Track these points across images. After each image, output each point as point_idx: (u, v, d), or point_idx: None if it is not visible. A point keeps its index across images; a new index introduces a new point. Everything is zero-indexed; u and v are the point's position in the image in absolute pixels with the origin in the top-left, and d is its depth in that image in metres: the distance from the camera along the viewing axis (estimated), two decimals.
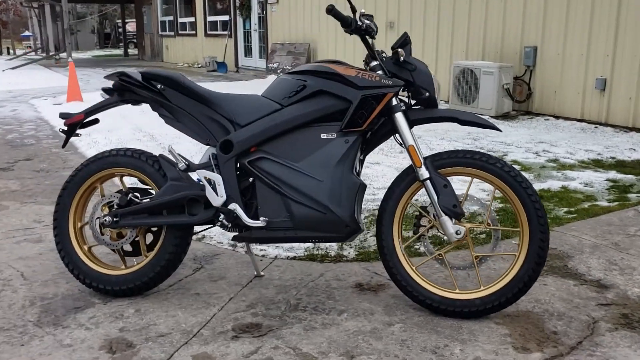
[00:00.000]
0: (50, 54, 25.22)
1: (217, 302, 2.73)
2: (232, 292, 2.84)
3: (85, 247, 2.84)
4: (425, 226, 2.62)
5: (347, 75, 2.53)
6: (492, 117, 7.60)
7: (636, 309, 2.60)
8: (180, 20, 19.90)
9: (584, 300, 2.68)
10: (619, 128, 6.89)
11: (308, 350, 2.31)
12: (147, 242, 2.83)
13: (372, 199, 4.30)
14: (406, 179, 2.58)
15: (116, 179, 2.92)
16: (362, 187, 2.55)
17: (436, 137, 6.54)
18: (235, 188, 2.61)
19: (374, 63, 2.59)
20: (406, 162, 5.37)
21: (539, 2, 7.67)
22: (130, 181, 3.73)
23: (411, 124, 2.57)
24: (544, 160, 5.49)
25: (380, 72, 2.57)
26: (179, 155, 2.69)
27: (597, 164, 5.36)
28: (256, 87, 11.54)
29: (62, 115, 2.87)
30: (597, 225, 3.68)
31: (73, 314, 2.65)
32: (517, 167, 5.12)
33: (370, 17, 2.58)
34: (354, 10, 2.57)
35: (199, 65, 18.12)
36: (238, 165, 2.64)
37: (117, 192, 2.83)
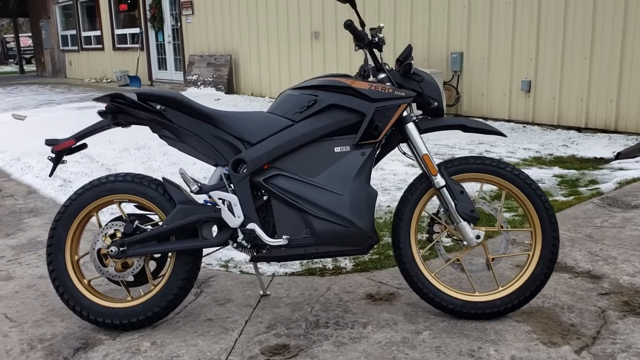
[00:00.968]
0: None
1: (234, 326, 2.65)
2: (245, 314, 2.77)
3: (85, 281, 2.67)
4: (438, 232, 2.68)
5: (360, 88, 2.55)
6: None
7: (633, 295, 2.79)
8: (84, 34, 19.04)
9: (585, 292, 2.84)
10: (545, 126, 7.34)
11: None
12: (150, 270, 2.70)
13: None
14: (420, 187, 2.62)
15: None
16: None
17: None
18: (251, 207, 2.55)
19: (382, 75, 2.63)
20: (390, 166, 5.45)
21: (462, 10, 8.04)
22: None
23: (420, 133, 2.63)
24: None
25: (388, 84, 2.60)
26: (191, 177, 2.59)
27: (539, 161, 5.69)
28: None
29: (49, 142, 2.69)
30: (565, 219, 3.90)
31: (83, 353, 2.47)
32: None
33: (379, 30, 2.61)
34: (363, 24, 2.60)
35: (109, 80, 17.44)
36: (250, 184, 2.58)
37: (115, 220, 2.67)
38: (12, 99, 13.68)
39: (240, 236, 2.53)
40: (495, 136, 6.47)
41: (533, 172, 5.19)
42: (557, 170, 5.30)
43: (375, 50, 2.63)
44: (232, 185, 2.58)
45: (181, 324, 2.69)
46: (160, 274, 2.72)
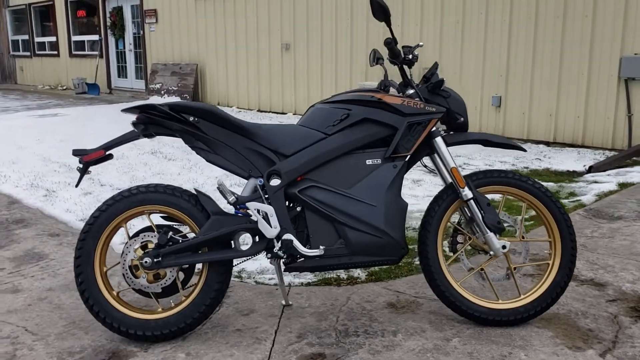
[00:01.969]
0: None
1: (265, 337, 2.67)
2: (273, 324, 2.79)
3: (114, 293, 2.64)
4: (462, 243, 2.78)
5: (393, 103, 2.64)
6: None
7: (638, 302, 2.97)
8: (37, 39, 18.50)
9: (594, 299, 3.00)
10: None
11: None
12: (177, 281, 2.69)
13: None
14: (446, 199, 2.72)
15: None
16: None
17: None
18: (286, 218, 2.59)
19: (411, 91, 2.72)
20: None
21: (435, 27, 8.29)
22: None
23: (447, 146, 2.74)
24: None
25: (416, 99, 2.70)
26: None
27: None
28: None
29: (77, 152, 2.65)
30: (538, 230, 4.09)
31: None
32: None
33: (415, 48, 2.71)
34: (396, 41, 2.69)
35: (64, 87, 17.00)
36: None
37: (143, 230, 2.66)
38: None
39: (277, 246, 2.57)
40: (488, 149, 6.70)
41: None
42: None
43: (405, 67, 2.72)
44: (267, 196, 2.61)
45: (211, 335, 2.70)
46: (188, 285, 2.73)
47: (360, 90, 2.76)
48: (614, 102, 6.83)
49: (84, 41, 16.38)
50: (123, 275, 2.61)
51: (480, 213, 2.67)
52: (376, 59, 2.92)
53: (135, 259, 2.60)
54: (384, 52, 2.80)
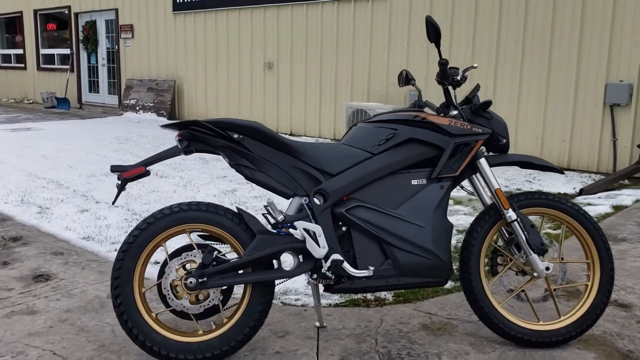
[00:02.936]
0: None
1: (309, 359, 2.61)
2: (312, 346, 2.73)
3: (153, 314, 2.54)
4: (501, 264, 2.79)
5: (440, 123, 2.64)
6: None
7: None
8: (2, 51, 18.00)
9: (624, 320, 3.04)
10: None
11: None
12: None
13: None
14: (489, 221, 2.73)
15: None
16: None
17: None
18: (334, 238, 2.55)
19: (454, 112, 2.73)
20: None
21: (422, 52, 8.41)
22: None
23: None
24: (466, 194, 6.00)
25: (461, 120, 2.71)
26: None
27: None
28: (118, 125, 10.91)
29: (116, 168, 2.56)
30: (567, 251, 4.14)
31: None
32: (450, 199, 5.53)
33: (467, 70, 2.72)
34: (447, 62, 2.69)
35: (30, 101, 16.55)
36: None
37: (181, 250, 2.58)
38: None
39: (325, 267, 2.52)
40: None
41: None
42: None
43: (450, 88, 2.73)
44: (314, 215, 2.57)
45: (251, 358, 2.62)
46: (226, 306, 2.65)
47: (402, 110, 2.76)
48: (599, 127, 7.04)
49: (53, 55, 16.02)
50: (163, 296, 2.52)
51: (524, 234, 2.68)
52: (407, 79, 2.93)
53: (177, 279, 2.51)
54: (415, 72, 2.79)
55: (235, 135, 2.57)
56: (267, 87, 10.57)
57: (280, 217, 2.53)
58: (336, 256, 2.52)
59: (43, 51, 16.35)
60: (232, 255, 2.59)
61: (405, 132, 2.65)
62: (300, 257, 2.57)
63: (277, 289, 3.42)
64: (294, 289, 3.42)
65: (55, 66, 15.93)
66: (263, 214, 2.67)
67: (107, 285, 3.43)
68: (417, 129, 2.65)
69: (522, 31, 7.48)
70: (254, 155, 2.58)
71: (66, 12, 15.14)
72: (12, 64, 17.63)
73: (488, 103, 2.72)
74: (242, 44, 10.84)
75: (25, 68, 16.97)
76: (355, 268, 2.56)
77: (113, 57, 14.08)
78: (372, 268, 2.53)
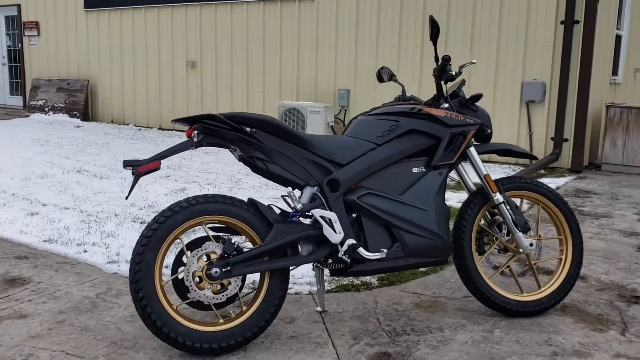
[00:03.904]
0: None
1: (322, 341, 2.74)
2: (321, 329, 2.86)
3: (175, 306, 2.56)
4: (489, 244, 3.06)
5: (438, 115, 2.86)
6: None
7: (619, 289, 3.43)
8: None
9: (585, 289, 3.42)
10: None
11: None
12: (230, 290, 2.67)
13: None
14: (478, 203, 2.99)
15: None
16: None
17: None
18: (347, 224, 2.70)
19: (446, 105, 2.96)
20: None
21: (350, 53, 8.70)
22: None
23: None
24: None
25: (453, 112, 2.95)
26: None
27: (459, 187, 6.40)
28: (30, 127, 10.36)
29: (129, 163, 2.55)
30: None
31: None
32: None
33: (464, 66, 2.95)
34: (437, 59, 2.91)
35: None
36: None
37: (200, 239, 2.62)
38: None
39: (342, 251, 2.66)
40: None
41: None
42: None
43: (442, 83, 2.95)
44: (328, 204, 2.70)
45: (269, 343, 2.71)
46: (242, 294, 2.72)
47: (400, 103, 2.95)
48: (517, 122, 7.64)
49: None
50: (185, 287, 2.55)
51: (510, 215, 2.96)
52: (389, 75, 3.14)
53: (199, 270, 2.55)
54: (393, 68, 2.99)
55: (248, 129, 2.65)
56: (190, 87, 10.44)
57: (299, 206, 2.64)
58: (351, 241, 2.66)
59: None
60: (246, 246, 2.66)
61: (407, 124, 2.84)
62: (317, 244, 2.69)
63: None
64: None
65: None
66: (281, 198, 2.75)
67: (91, 286, 3.37)
68: (417, 121, 2.85)
69: (445, 31, 7.93)
70: (267, 147, 2.67)
71: None
72: None
73: (478, 96, 2.97)
74: (162, 42, 10.63)
75: None
76: (370, 252, 2.72)
77: (15, 55, 13.28)
78: (384, 250, 2.70)
